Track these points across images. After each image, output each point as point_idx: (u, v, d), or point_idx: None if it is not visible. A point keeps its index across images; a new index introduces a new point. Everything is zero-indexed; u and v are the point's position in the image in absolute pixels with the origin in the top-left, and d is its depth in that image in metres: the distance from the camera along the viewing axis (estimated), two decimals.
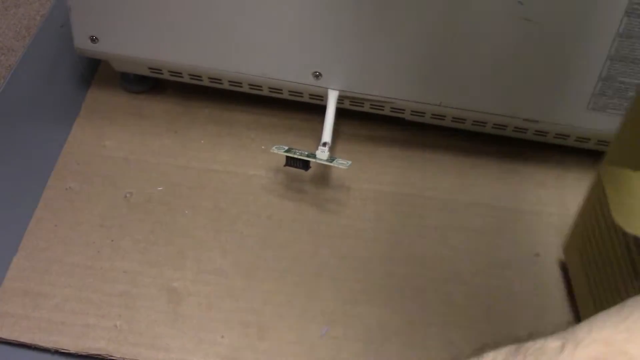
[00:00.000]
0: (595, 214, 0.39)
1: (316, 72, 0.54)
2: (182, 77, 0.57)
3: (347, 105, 0.56)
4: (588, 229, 0.44)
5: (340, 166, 0.50)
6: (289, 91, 0.56)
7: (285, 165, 0.52)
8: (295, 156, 0.51)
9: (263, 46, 0.53)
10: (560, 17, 0.48)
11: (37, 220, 0.51)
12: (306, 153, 0.51)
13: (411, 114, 0.56)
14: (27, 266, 0.49)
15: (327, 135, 0.52)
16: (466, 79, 0.52)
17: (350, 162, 0.50)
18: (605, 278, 0.40)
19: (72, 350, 0.45)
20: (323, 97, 0.55)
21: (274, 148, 0.52)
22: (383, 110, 0.56)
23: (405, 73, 0.53)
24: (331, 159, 0.51)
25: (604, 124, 0.52)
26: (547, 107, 0.53)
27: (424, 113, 0.55)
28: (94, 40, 0.55)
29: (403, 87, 0.54)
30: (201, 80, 0.57)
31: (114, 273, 0.49)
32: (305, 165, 0.52)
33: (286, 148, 0.52)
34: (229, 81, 0.57)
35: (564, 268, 0.50)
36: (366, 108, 0.56)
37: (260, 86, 0.56)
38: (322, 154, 0.51)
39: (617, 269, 0.39)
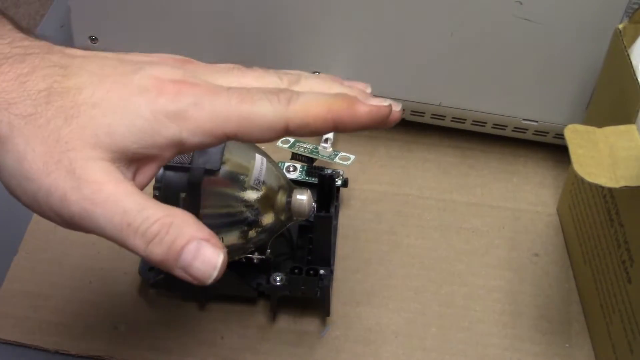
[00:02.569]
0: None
1: (316, 72, 0.54)
2: None
3: None
4: (574, 184, 0.50)
5: (343, 162, 0.51)
6: None
7: (291, 159, 0.52)
8: (300, 152, 0.51)
9: (262, 46, 0.53)
10: (560, 17, 0.48)
11: (37, 221, 0.51)
12: (310, 147, 0.51)
13: (411, 114, 0.56)
14: (27, 267, 0.49)
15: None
16: (466, 79, 0.52)
17: (354, 157, 0.51)
18: (587, 226, 0.47)
19: (73, 351, 0.45)
20: None
21: (279, 142, 0.52)
22: None
23: (405, 73, 0.53)
24: (334, 153, 0.51)
25: None
26: (547, 107, 0.53)
27: (424, 113, 0.55)
28: (93, 40, 0.55)
29: (403, 87, 0.53)
30: None
31: (114, 274, 0.49)
32: (310, 161, 0.52)
33: (292, 141, 0.52)
34: None
35: (564, 267, 0.51)
36: None
37: None
38: (325, 150, 0.51)
39: (596, 216, 0.45)
